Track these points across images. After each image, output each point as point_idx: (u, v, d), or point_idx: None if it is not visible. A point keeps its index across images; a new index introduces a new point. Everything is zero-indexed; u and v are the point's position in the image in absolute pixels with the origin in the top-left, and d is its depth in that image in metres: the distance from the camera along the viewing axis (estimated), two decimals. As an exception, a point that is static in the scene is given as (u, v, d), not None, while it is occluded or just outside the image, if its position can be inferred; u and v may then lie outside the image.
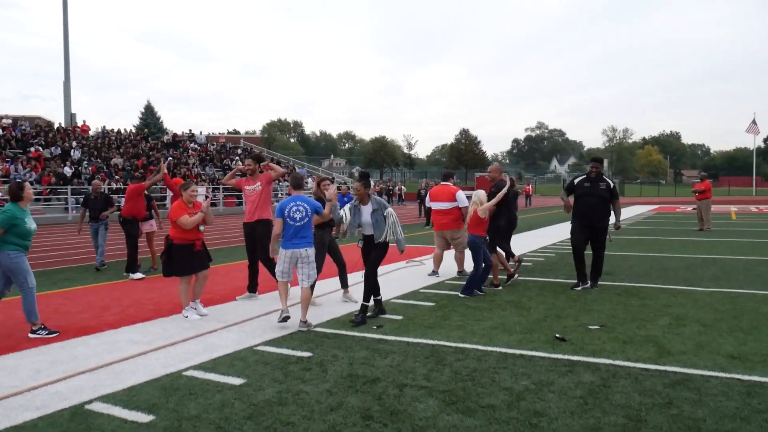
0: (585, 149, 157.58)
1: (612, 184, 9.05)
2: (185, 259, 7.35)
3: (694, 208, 24.78)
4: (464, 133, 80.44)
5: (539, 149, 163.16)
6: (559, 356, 5.60)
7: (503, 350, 5.82)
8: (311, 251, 6.93)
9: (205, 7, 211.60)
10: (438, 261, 10.61)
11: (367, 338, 6.35)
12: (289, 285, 7.15)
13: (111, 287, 9.60)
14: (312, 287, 6.93)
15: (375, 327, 6.81)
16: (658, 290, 8.82)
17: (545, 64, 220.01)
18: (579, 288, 8.94)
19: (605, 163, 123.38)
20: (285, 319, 6.73)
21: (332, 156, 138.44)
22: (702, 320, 6.92)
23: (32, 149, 29.36)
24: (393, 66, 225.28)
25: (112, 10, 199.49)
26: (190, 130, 45.09)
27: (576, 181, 9.28)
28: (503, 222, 9.63)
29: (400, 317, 7.28)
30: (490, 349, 5.87)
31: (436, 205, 10.40)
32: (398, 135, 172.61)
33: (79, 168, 28.81)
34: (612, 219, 9.19)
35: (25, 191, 6.73)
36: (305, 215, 6.87)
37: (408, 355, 5.68)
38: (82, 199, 12.17)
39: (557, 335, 6.26)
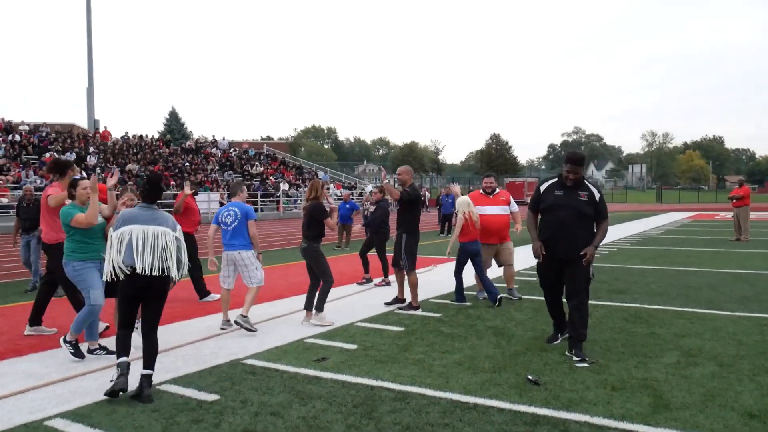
0: (624, 154, 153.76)
1: (598, 194, 5.82)
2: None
3: (733, 216, 23.06)
4: (495, 137, 78.73)
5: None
6: (523, 408, 4.38)
7: (456, 397, 4.63)
8: (246, 254, 6.95)
9: (245, 13, 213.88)
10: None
11: (300, 375, 5.23)
12: (229, 293, 7.14)
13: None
14: (258, 287, 7.03)
15: (319, 359, 5.70)
16: (673, 314, 7.47)
17: (583, 69, 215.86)
18: (558, 341, 6.12)
19: (642, 168, 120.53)
20: (223, 328, 6.89)
21: (365, 162, 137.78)
22: (719, 357, 5.60)
23: (47, 155, 29.09)
24: (427, 69, 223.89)
25: (155, 14, 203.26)
26: (213, 136, 44.71)
27: (543, 187, 5.97)
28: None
29: (354, 346, 6.14)
30: (440, 395, 4.69)
31: (489, 210, 8.46)
32: (431, 140, 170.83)
33: (93, 174, 28.40)
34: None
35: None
36: (235, 218, 6.96)
37: (333, 403, 4.54)
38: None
39: (530, 376, 5.03)
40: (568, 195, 5.74)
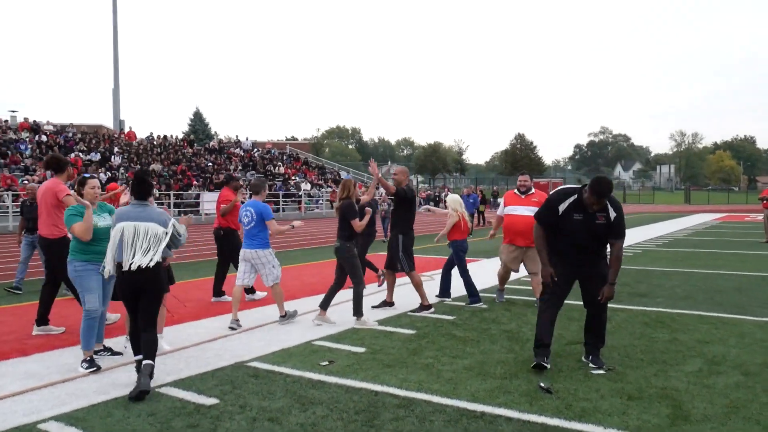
0: (652, 155, 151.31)
1: (614, 214, 5.19)
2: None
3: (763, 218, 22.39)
4: (520, 137, 77.91)
5: (602, 155, 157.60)
6: (533, 418, 4.17)
7: (463, 405, 4.43)
8: (262, 252, 7.10)
9: (271, 14, 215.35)
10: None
11: (303, 379, 5.07)
12: (242, 291, 7.31)
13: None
14: (276, 284, 7.14)
15: (325, 362, 5.53)
16: (697, 319, 7.16)
17: (611, 67, 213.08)
18: (546, 364, 5.24)
19: (670, 169, 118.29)
20: (232, 327, 6.85)
21: (389, 162, 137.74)
22: (744, 365, 5.31)
23: (72, 155, 29.45)
24: (451, 69, 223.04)
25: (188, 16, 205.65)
26: (236, 136, 44.95)
27: (561, 208, 5.27)
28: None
29: (362, 350, 5.96)
30: (446, 402, 4.49)
31: (518, 210, 7.89)
32: (454, 140, 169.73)
33: (117, 174, 28.70)
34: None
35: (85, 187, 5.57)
36: (251, 219, 7.09)
37: (335, 409, 4.37)
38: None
39: (542, 384, 4.81)
40: (587, 219, 5.19)
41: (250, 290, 8.71)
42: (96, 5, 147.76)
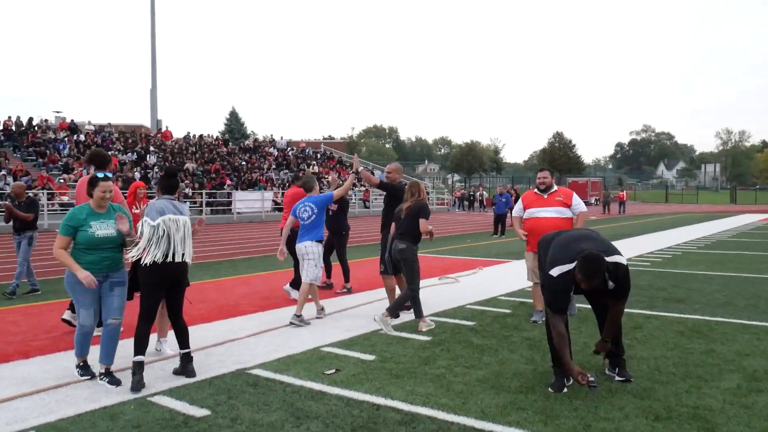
0: (696, 153, 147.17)
1: (612, 284, 4.59)
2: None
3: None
4: (558, 136, 76.43)
5: (645, 153, 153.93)
6: (546, 440, 3.78)
7: (470, 422, 4.06)
8: (312, 247, 7.11)
9: (308, 14, 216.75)
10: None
11: (304, 389, 4.77)
12: (312, 285, 7.22)
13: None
14: (311, 283, 7.10)
15: (330, 371, 5.22)
16: (737, 328, 6.62)
17: (654, 63, 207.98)
18: (565, 389, 4.67)
19: (716, 168, 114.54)
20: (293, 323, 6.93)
21: (426, 161, 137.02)
22: (789, 382, 4.80)
23: (109, 154, 29.88)
24: (490, 67, 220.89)
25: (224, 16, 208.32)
26: (271, 135, 45.14)
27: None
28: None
29: (371, 357, 5.64)
30: (452, 419, 4.13)
31: (539, 213, 6.88)
32: (490, 139, 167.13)
33: (151, 173, 28.99)
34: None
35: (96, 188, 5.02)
36: (312, 214, 7.15)
37: (330, 425, 4.05)
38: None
39: (591, 379, 4.44)
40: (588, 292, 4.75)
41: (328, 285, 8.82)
42: (135, 9, 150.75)
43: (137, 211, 6.84)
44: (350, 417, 4.18)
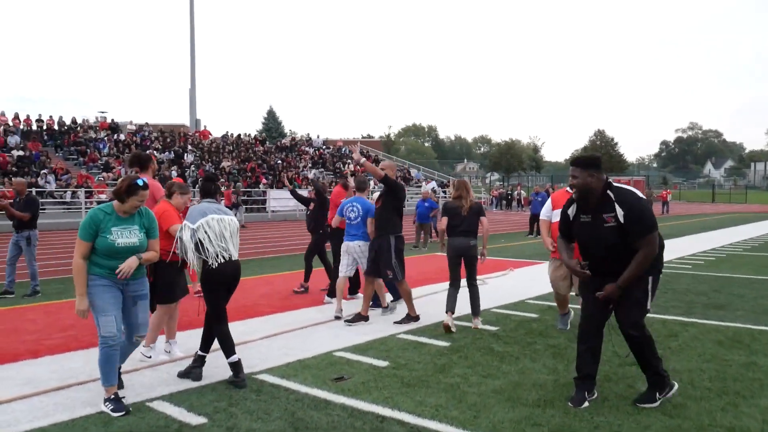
0: (746, 151, 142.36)
1: (623, 212, 4.16)
2: (175, 281, 5.61)
3: None
4: (599, 134, 74.59)
5: (691, 152, 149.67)
6: (561, 461, 3.46)
7: (479, 439, 3.77)
8: (365, 246, 7.26)
9: (347, 13, 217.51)
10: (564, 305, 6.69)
11: (308, 397, 4.54)
12: (345, 280, 7.56)
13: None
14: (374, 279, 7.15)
15: (338, 377, 4.99)
16: (783, 338, 6.14)
17: (700, 58, 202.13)
18: (587, 402, 4.33)
19: (766, 166, 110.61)
20: (337, 317, 7.17)
21: (465, 160, 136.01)
22: (839, 401, 4.36)
23: (147, 153, 30.33)
24: (530, 64, 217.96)
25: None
26: (308, 134, 45.28)
27: (571, 212, 4.54)
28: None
29: (385, 363, 5.38)
30: (461, 434, 3.84)
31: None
32: (529, 137, 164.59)
33: (188, 171, 29.30)
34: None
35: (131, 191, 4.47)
36: (358, 215, 7.31)
37: (329, 438, 3.81)
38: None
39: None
40: (594, 221, 4.28)
41: (351, 290, 8.51)
42: (175, 11, 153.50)
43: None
44: (352, 429, 3.93)
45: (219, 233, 4.89)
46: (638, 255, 4.12)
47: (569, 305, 6.68)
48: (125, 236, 4.40)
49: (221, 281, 4.94)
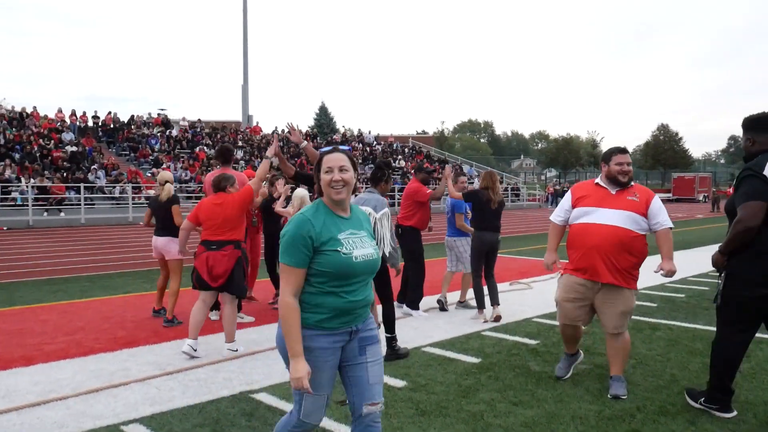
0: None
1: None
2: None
3: None
4: (663, 128, 71.37)
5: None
6: None
7: (497, 493, 3.05)
8: (454, 242, 7.49)
9: (402, 9, 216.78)
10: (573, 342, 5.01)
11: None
12: (452, 275, 7.67)
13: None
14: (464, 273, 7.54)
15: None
16: None
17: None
18: (729, 413, 3.93)
19: None
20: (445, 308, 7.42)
21: (522, 156, 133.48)
22: None
23: (197, 149, 30.50)
24: (588, 58, 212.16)
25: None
26: (359, 130, 44.91)
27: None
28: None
29: (402, 383, 4.71)
30: (475, 484, 3.14)
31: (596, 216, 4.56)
32: (587, 132, 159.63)
33: (236, 167, 29.31)
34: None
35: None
36: (448, 210, 7.60)
37: (315, 482, 3.17)
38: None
39: None
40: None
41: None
42: (229, 8, 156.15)
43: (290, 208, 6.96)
44: (344, 472, 3.29)
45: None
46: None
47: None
48: (359, 246, 2.73)
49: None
